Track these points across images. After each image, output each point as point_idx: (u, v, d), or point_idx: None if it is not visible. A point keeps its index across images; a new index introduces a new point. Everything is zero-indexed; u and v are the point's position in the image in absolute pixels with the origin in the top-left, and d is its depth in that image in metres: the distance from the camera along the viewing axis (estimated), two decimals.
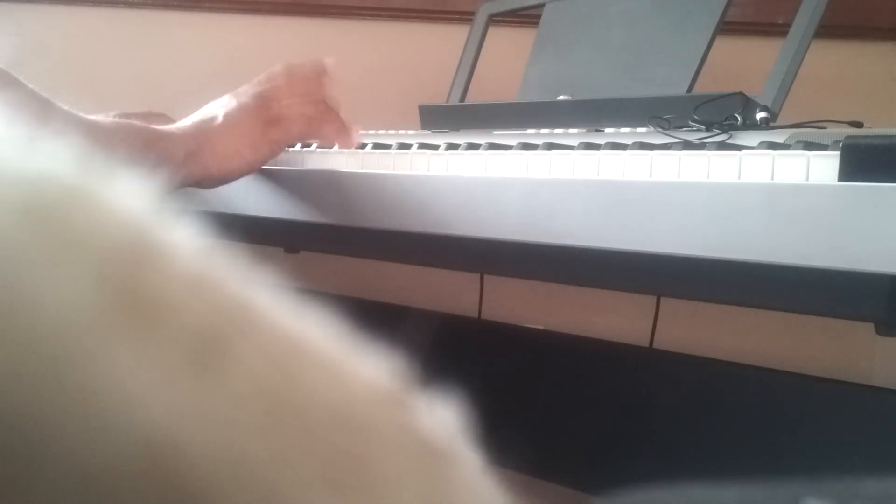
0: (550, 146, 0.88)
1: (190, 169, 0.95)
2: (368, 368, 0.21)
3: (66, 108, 0.86)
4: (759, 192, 0.65)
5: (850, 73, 1.41)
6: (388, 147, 1.04)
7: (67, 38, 1.56)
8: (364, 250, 1.11)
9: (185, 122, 0.99)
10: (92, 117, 0.90)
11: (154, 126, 0.96)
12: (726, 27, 1.01)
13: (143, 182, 0.20)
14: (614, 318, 1.43)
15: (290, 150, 1.12)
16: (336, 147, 1.06)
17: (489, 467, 0.22)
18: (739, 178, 0.68)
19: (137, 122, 0.93)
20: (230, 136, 0.98)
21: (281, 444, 0.17)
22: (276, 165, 1.06)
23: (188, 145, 0.95)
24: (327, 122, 1.03)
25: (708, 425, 1.21)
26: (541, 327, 1.44)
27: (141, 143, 0.91)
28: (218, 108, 1.00)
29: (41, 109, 0.83)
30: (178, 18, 1.61)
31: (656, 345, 1.36)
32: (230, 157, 0.98)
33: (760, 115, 0.85)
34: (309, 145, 1.12)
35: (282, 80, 1.02)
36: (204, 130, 0.98)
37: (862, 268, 0.59)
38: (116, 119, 0.92)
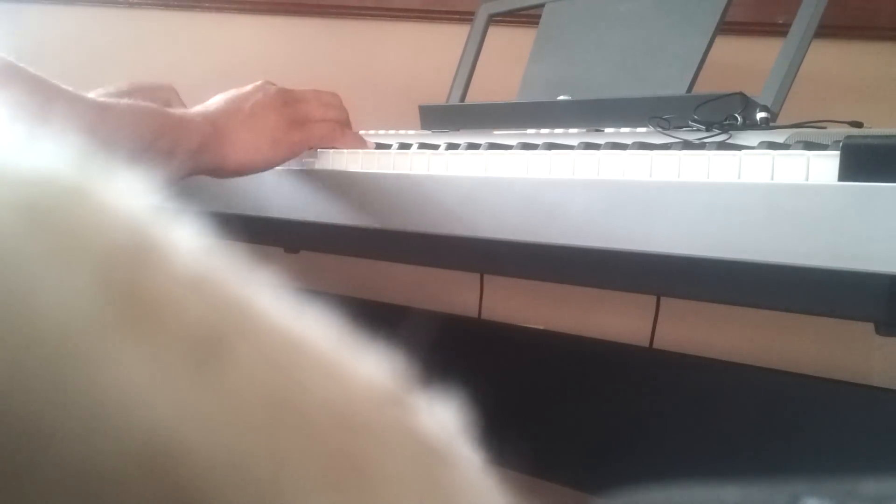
0: (550, 146, 0.88)
1: (204, 157, 0.92)
2: (368, 368, 0.21)
3: (74, 92, 0.84)
4: (759, 192, 0.65)
5: (850, 73, 1.41)
6: (388, 147, 1.04)
7: (67, 38, 1.56)
8: (364, 250, 1.11)
9: (208, 106, 0.96)
10: (102, 99, 0.87)
11: (172, 110, 0.94)
12: (726, 27, 1.01)
13: (144, 180, 0.20)
14: (614, 318, 1.43)
15: None
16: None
17: (489, 467, 0.22)
18: (739, 178, 0.68)
19: (153, 105, 0.90)
20: (253, 129, 0.96)
21: (281, 444, 0.17)
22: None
23: (205, 132, 0.92)
24: (349, 133, 1.04)
25: (708, 425, 1.21)
26: (541, 327, 1.44)
27: (152, 129, 0.88)
28: (244, 98, 0.98)
29: (46, 96, 0.80)
30: (178, 18, 1.61)
31: (656, 345, 1.36)
32: (248, 151, 0.95)
33: (760, 115, 0.85)
34: None
35: (310, 89, 1.03)
36: (227, 117, 0.95)
37: (862, 268, 0.59)
38: (130, 101, 0.89)
